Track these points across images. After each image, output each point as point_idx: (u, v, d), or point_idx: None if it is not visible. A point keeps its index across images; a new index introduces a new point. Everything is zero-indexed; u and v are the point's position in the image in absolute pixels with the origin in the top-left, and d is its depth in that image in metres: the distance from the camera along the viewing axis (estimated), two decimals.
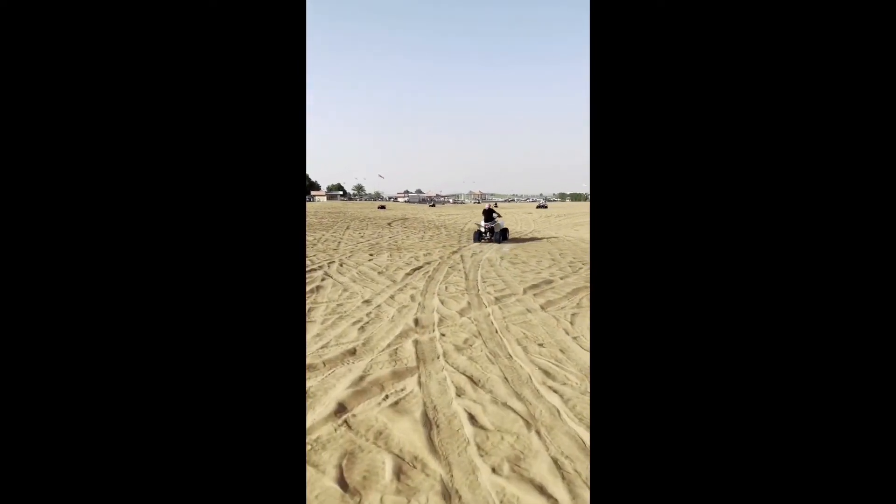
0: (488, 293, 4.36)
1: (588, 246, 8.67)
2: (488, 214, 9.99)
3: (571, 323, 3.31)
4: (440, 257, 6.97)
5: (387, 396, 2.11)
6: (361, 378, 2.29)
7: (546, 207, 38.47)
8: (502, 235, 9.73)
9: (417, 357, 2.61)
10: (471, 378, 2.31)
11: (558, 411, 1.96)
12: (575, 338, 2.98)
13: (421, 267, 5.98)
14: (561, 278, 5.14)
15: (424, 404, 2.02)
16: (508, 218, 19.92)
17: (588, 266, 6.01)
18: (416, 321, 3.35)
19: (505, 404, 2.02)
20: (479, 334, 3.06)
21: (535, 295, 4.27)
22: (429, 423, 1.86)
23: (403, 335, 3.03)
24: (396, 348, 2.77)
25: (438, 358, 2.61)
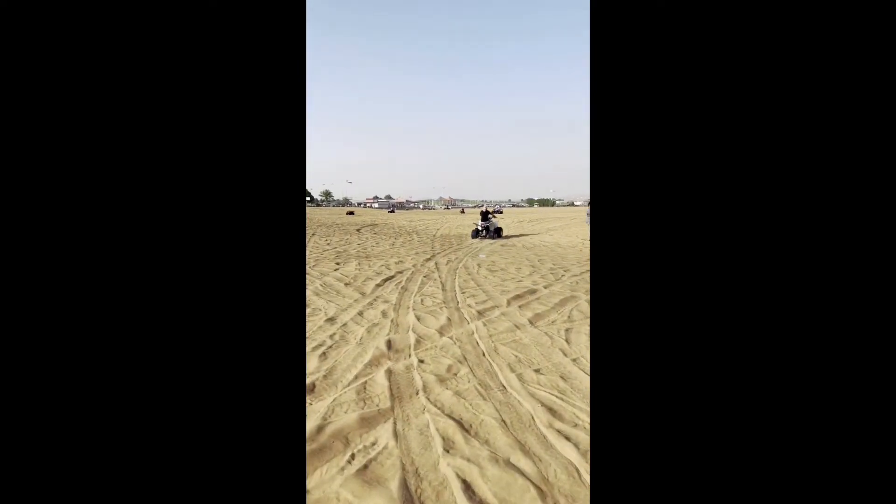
0: (469, 306, 3.91)
1: (564, 252, 8.43)
2: (484, 216, 12.36)
3: (567, 341, 2.91)
4: (413, 265, 6.47)
5: (353, 457, 1.60)
6: (320, 428, 1.77)
7: (501, 213, 36.23)
8: (497, 233, 12.17)
9: (392, 394, 2.12)
10: (460, 422, 1.84)
11: (577, 470, 1.52)
12: (574, 360, 2.57)
13: (393, 277, 5.46)
14: (545, 287, 4.77)
15: (403, 467, 1.53)
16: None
17: (570, 273, 5.69)
18: (389, 344, 2.85)
19: (508, 462, 1.56)
20: (465, 359, 2.60)
21: (520, 307, 3.86)
22: (410, 499, 1.37)
23: (374, 363, 2.53)
24: (365, 381, 2.26)
25: (418, 394, 2.12)
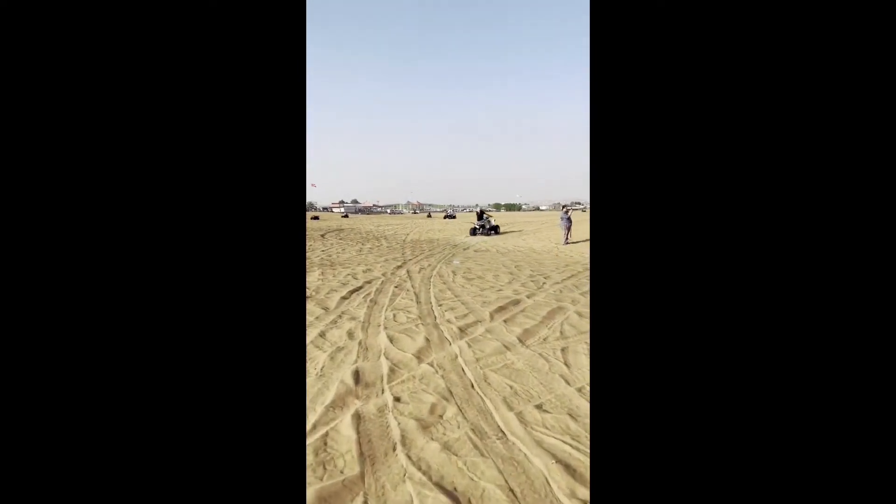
0: (449, 322, 3.45)
1: (541, 257, 8.15)
2: (479, 216, 14.90)
3: (566, 364, 2.51)
4: (383, 274, 5.95)
5: None
6: None
7: (454, 217, 36.81)
8: (494, 230, 14.34)
9: (361, 451, 1.62)
10: (454, 496, 1.38)
11: None
12: (580, 389, 2.17)
13: (360, 287, 4.92)
14: (527, 296, 4.40)
15: None
16: (449, 228, 19.48)
17: (551, 281, 5.37)
18: (357, 375, 2.35)
19: None
20: (450, 393, 2.13)
21: (505, 321, 3.45)
22: None
23: (338, 403, 2.02)
24: (326, 433, 1.76)
25: (395, 450, 1.64)
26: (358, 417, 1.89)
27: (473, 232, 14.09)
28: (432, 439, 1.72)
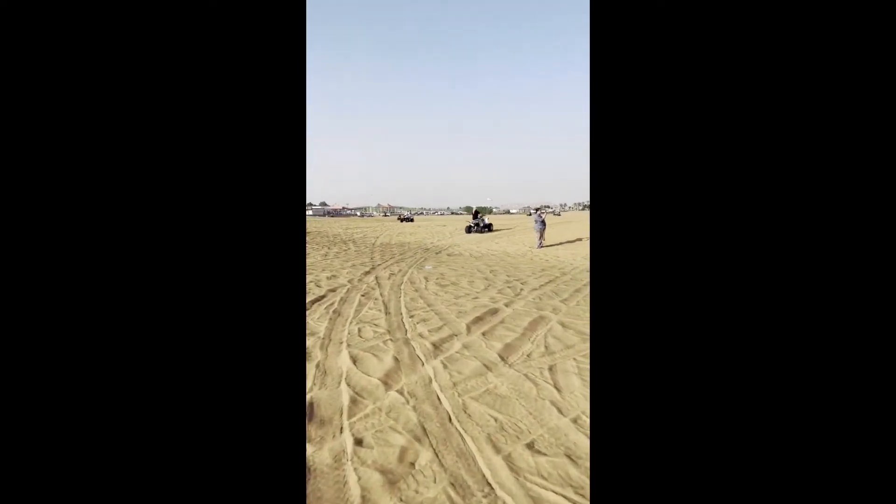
0: (421, 336, 3.08)
1: (515, 261, 7.92)
2: (475, 215, 16.96)
3: (557, 387, 2.20)
4: (349, 281, 5.50)
5: None
6: None
7: (412, 220, 35.99)
8: (487, 228, 16.22)
9: None
10: None
11: None
12: (575, 420, 1.86)
13: (323, 297, 4.47)
14: (505, 304, 4.10)
15: None
16: (419, 232, 19.12)
17: (529, 287, 5.10)
18: (311, 409, 1.94)
19: None
20: (424, 431, 1.77)
21: (484, 334, 3.12)
22: None
23: None
24: None
25: None
26: (309, 472, 1.49)
27: (469, 230, 15.76)
28: (401, 501, 1.34)
